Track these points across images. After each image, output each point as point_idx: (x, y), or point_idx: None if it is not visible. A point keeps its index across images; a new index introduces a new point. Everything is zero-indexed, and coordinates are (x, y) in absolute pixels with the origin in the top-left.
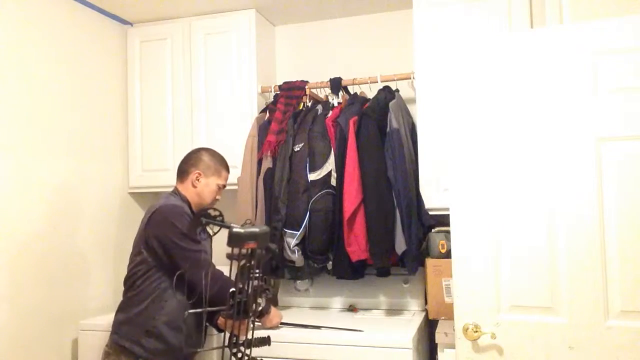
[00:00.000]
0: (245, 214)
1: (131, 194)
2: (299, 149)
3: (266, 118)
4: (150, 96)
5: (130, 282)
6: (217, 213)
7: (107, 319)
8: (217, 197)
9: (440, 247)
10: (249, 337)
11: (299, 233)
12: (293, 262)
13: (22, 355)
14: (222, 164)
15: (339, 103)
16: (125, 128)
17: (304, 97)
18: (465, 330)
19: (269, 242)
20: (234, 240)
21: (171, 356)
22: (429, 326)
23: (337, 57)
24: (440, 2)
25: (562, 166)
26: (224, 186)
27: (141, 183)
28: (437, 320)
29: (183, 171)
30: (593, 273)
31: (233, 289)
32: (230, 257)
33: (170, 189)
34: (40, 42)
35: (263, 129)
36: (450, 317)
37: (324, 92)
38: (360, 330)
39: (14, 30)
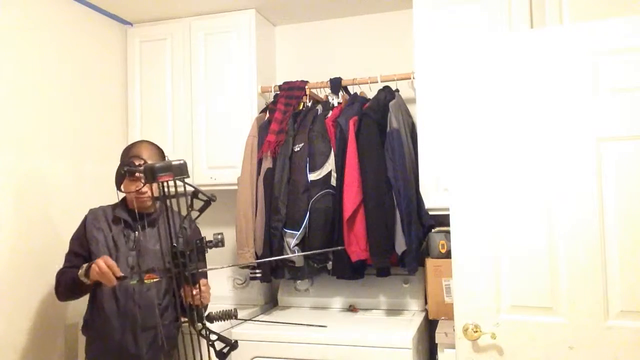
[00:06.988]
0: (245, 214)
1: None
2: (299, 149)
3: (266, 118)
4: (150, 96)
5: None
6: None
7: None
8: (137, 187)
9: (440, 247)
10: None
11: (299, 233)
12: (293, 262)
13: (21, 354)
14: (128, 153)
15: (339, 103)
16: (125, 128)
17: (304, 97)
18: (465, 330)
19: (187, 174)
20: (147, 174)
21: None
22: (429, 326)
23: (337, 57)
24: (440, 2)
25: (562, 166)
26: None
27: None
28: (437, 320)
29: None
30: (593, 273)
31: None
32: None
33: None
34: (41, 42)
35: (263, 129)
36: (450, 317)
37: (324, 92)
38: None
39: (15, 30)
